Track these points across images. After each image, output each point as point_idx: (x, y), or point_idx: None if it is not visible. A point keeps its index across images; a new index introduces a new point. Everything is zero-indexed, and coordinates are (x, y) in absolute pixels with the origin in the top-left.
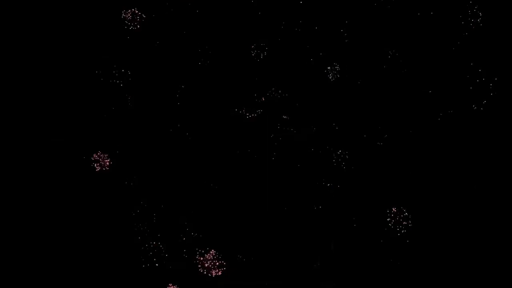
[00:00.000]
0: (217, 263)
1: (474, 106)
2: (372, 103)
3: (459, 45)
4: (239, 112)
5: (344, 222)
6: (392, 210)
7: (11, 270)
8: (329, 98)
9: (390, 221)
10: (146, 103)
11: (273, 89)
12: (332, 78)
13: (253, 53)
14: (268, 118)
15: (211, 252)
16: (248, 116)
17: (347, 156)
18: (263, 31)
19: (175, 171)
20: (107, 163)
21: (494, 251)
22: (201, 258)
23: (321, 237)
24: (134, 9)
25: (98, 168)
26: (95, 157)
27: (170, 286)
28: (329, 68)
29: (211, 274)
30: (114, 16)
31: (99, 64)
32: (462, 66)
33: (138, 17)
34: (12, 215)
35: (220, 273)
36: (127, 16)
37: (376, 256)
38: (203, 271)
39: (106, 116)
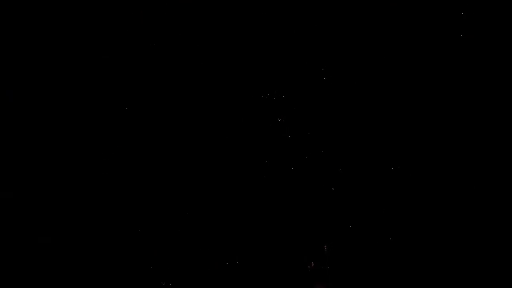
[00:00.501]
0: (214, 264)
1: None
2: (369, 104)
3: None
4: (235, 113)
5: (339, 224)
6: (389, 211)
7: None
8: (325, 100)
9: (387, 222)
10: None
11: (269, 90)
12: (327, 79)
13: (250, 54)
14: (263, 120)
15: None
16: (244, 116)
17: (343, 158)
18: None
19: (171, 171)
20: (105, 164)
21: (494, 251)
22: (196, 259)
23: (315, 239)
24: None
25: (96, 168)
26: (94, 157)
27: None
28: (323, 69)
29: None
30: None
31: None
32: (460, 66)
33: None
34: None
35: (216, 274)
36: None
37: (373, 257)
38: (199, 272)
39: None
